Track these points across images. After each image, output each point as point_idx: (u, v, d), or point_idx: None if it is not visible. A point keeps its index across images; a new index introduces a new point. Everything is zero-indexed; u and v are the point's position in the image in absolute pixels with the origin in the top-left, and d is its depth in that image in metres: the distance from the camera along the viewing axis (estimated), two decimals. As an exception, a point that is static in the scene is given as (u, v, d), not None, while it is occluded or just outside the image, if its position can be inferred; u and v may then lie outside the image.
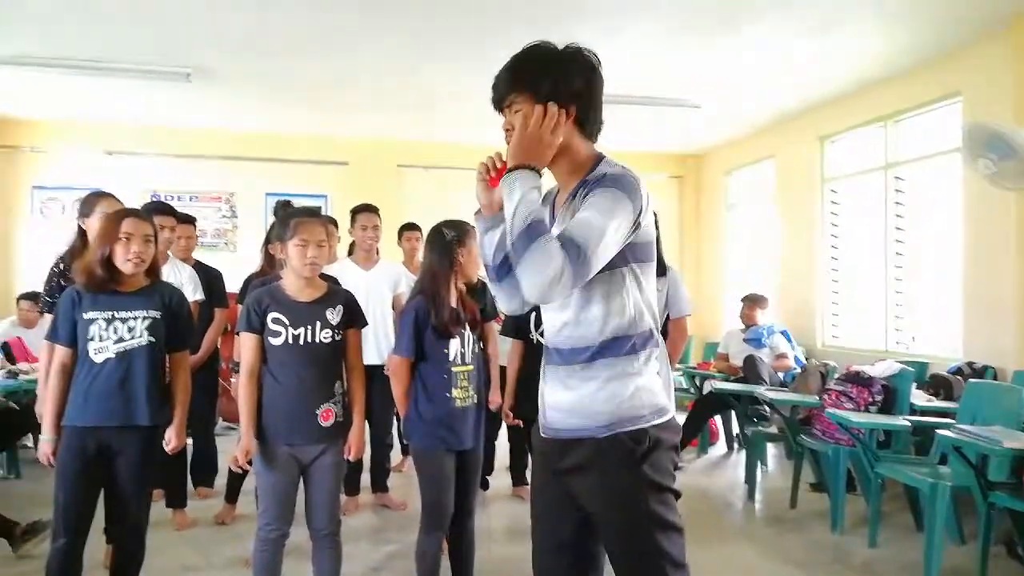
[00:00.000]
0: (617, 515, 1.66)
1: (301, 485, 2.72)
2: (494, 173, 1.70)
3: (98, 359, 2.63)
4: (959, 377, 4.85)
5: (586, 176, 1.66)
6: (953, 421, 3.93)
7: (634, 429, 1.63)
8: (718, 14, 4.88)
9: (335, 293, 2.80)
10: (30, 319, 6.02)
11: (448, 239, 2.87)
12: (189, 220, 4.60)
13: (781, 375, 5.97)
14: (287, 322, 2.63)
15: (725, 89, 6.50)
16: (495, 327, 4.05)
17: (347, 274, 4.15)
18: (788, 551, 3.96)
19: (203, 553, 3.79)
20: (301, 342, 2.64)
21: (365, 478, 4.54)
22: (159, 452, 2.75)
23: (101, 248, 2.66)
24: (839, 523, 4.17)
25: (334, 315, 2.71)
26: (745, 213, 8.78)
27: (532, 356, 3.61)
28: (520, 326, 3.93)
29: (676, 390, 6.04)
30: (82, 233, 3.17)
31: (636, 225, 1.59)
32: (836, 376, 4.93)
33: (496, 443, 5.06)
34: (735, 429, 6.32)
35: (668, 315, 3.88)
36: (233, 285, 4.44)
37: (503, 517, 4.44)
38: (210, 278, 4.49)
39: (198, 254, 4.75)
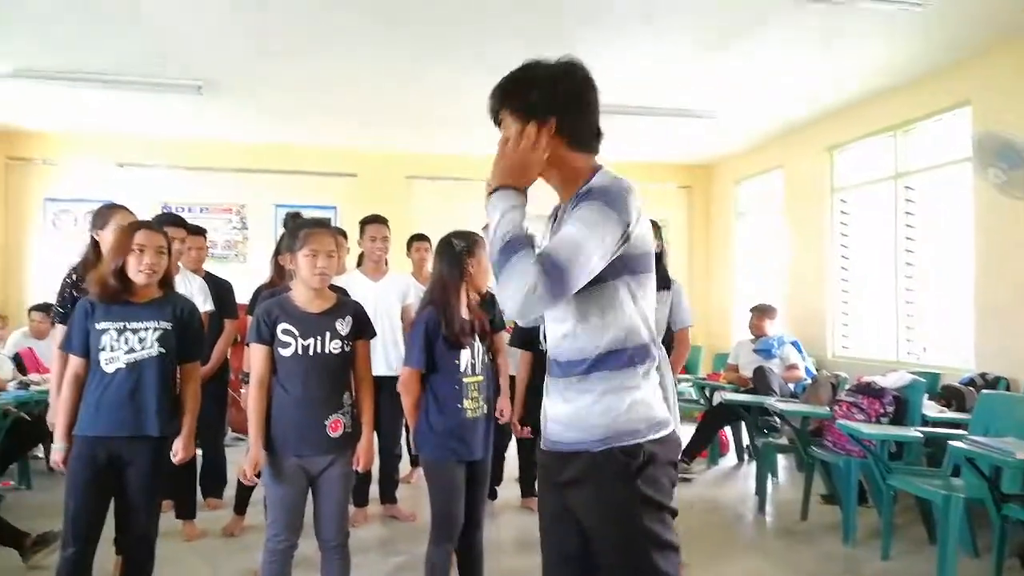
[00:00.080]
0: (611, 530, 1.65)
1: (310, 496, 2.72)
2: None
3: (109, 369, 2.65)
4: (971, 388, 4.81)
5: (579, 189, 1.66)
6: (966, 432, 3.90)
7: (629, 444, 1.61)
8: (727, 25, 4.90)
9: (344, 304, 2.81)
10: (41, 330, 6.06)
11: (458, 250, 2.88)
12: (200, 231, 4.62)
13: (791, 386, 5.94)
14: (297, 333, 2.64)
15: (734, 99, 6.50)
16: (504, 338, 4.05)
17: (356, 285, 4.16)
18: (799, 564, 3.93)
19: (212, 564, 3.79)
20: (311, 353, 2.64)
21: (374, 489, 4.53)
22: (168, 463, 2.76)
23: (115, 259, 2.69)
24: (851, 535, 4.13)
25: (343, 326, 2.71)
26: (754, 223, 8.77)
27: (541, 367, 3.61)
28: (529, 337, 3.93)
29: (686, 401, 6.09)
30: (95, 245, 3.19)
31: (625, 237, 1.59)
32: (847, 387, 4.90)
33: (505, 454, 5.04)
34: (745, 440, 6.29)
35: (669, 327, 3.90)
36: (243, 296, 4.46)
37: (512, 528, 4.42)
38: (220, 289, 4.51)
39: (208, 265, 4.77)
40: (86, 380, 2.69)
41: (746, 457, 6.33)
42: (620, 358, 1.64)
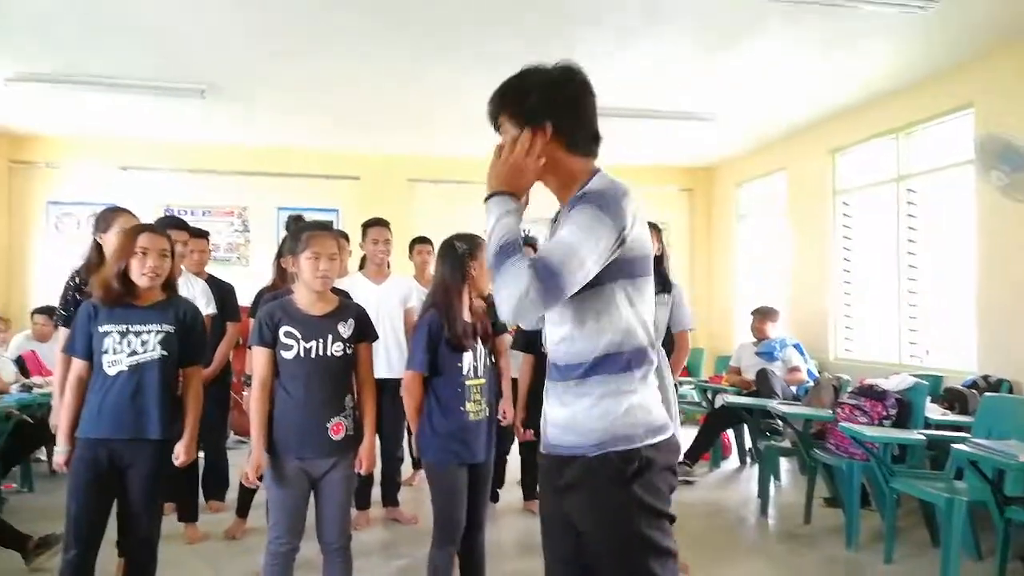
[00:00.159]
0: (606, 535, 1.65)
1: (312, 499, 2.72)
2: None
3: (111, 372, 2.66)
4: (974, 391, 4.81)
5: (576, 193, 1.67)
6: (968, 435, 3.90)
7: (626, 449, 1.61)
8: (729, 28, 4.90)
9: (346, 307, 2.81)
10: (44, 333, 6.07)
11: (460, 252, 2.88)
12: (202, 234, 4.63)
13: (794, 389, 5.93)
14: (299, 336, 2.64)
15: (736, 102, 6.50)
16: (507, 340, 4.05)
17: (358, 288, 4.17)
18: (802, 567, 3.92)
19: (214, 567, 3.79)
20: (313, 355, 2.64)
21: (376, 492, 4.53)
22: (170, 466, 2.76)
23: (118, 262, 2.70)
24: (854, 539, 4.12)
25: (346, 329, 2.72)
26: (756, 225, 8.76)
27: (543, 370, 3.61)
28: (531, 340, 3.93)
29: (688, 404, 6.08)
30: (98, 248, 3.19)
31: (620, 241, 1.59)
32: (849, 390, 4.89)
33: (507, 457, 5.04)
34: (748, 443, 6.28)
35: (669, 329, 3.90)
36: (245, 299, 4.47)
37: (514, 531, 4.42)
38: (223, 292, 4.52)
39: (210, 268, 4.78)
40: (89, 383, 2.70)
41: (748, 460, 6.32)
42: (617, 362, 1.64)
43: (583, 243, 1.54)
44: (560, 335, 1.71)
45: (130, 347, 2.67)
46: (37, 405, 4.97)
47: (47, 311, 5.95)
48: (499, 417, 3.27)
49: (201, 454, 3.75)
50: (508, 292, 1.53)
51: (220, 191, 8.20)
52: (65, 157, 7.88)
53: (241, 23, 4.87)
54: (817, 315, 7.20)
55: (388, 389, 3.90)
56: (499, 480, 4.89)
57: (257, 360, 2.67)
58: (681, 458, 5.77)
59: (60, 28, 4.93)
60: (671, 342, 4.04)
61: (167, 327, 2.73)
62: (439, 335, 2.82)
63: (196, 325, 2.87)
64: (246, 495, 4.21)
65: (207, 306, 4.15)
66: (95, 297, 2.73)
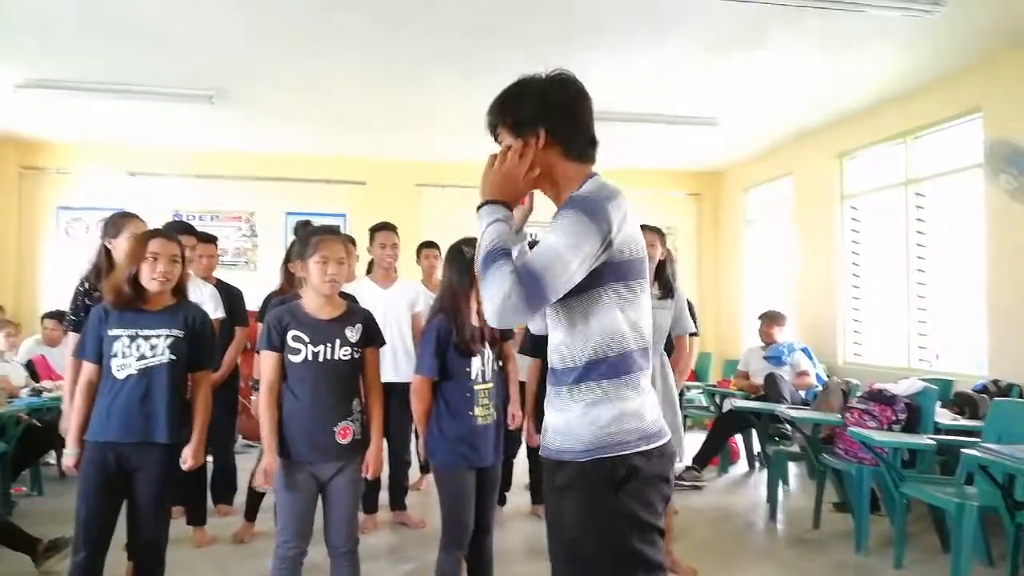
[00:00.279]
0: (589, 543, 1.64)
1: (320, 503, 2.73)
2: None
3: (120, 376, 2.67)
4: (984, 395, 4.78)
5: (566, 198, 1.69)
6: (979, 440, 3.87)
7: (613, 456, 1.61)
8: (736, 32, 4.89)
9: (354, 312, 2.82)
10: (54, 338, 6.10)
11: (467, 257, 2.88)
12: (210, 239, 4.65)
13: (802, 393, 5.91)
14: (307, 339, 2.65)
15: (743, 107, 6.50)
16: (513, 345, 4.05)
17: (365, 292, 4.18)
18: (811, 572, 3.90)
19: (222, 570, 3.80)
20: (320, 359, 2.65)
21: (383, 496, 4.53)
22: (178, 470, 2.77)
23: (129, 267, 2.72)
24: (863, 544, 4.10)
25: (353, 333, 2.73)
26: (764, 230, 8.75)
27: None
28: (538, 344, 3.92)
29: (696, 408, 6.07)
30: (107, 253, 3.21)
31: (606, 244, 1.58)
32: (858, 394, 4.87)
33: (514, 460, 5.04)
34: (756, 448, 6.26)
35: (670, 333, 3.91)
36: (253, 304, 4.48)
37: (521, 535, 4.41)
38: (231, 297, 4.52)
39: (218, 273, 4.79)
40: (99, 386, 2.72)
41: (757, 465, 6.30)
42: (607, 367, 1.64)
43: (566, 248, 1.55)
44: (555, 340, 1.72)
45: (139, 351, 2.69)
46: (46, 409, 5.00)
47: (57, 315, 5.98)
48: (508, 421, 3.27)
49: (209, 458, 3.77)
50: (491, 296, 1.56)
51: (228, 196, 8.23)
52: (75, 163, 7.93)
53: (249, 30, 4.90)
54: (826, 319, 7.18)
55: (395, 393, 3.91)
56: (506, 483, 4.89)
57: (265, 364, 2.68)
58: (690, 463, 5.80)
59: (69, 35, 4.97)
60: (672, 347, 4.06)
61: (176, 332, 2.75)
62: (448, 340, 2.83)
63: (205, 330, 2.88)
64: (254, 499, 4.22)
65: (215, 310, 4.15)
66: (106, 301, 2.76)
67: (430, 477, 4.23)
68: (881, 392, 4.45)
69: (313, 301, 2.72)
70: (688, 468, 5.75)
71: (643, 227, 3.83)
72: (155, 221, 3.77)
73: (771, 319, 6.43)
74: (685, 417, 6.51)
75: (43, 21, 4.74)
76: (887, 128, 6.43)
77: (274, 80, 5.90)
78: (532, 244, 1.82)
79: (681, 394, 4.75)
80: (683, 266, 8.11)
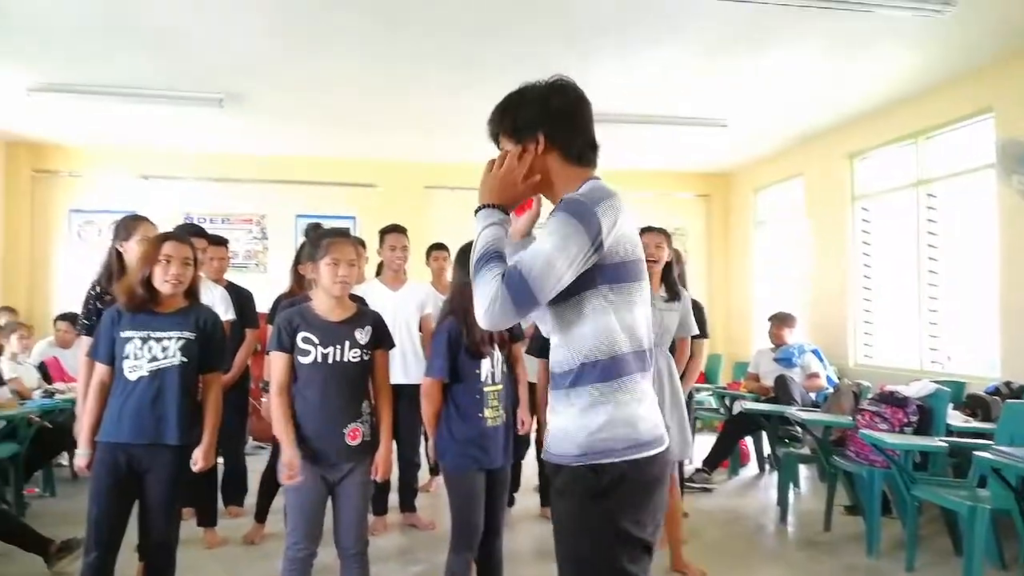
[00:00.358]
0: (576, 548, 1.65)
1: (329, 505, 2.73)
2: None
3: (132, 377, 2.69)
4: (997, 397, 4.74)
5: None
6: (991, 442, 3.84)
7: (602, 462, 1.60)
8: (746, 34, 4.88)
9: (364, 314, 2.83)
10: (67, 340, 6.15)
11: (477, 258, 2.88)
12: (221, 242, 4.67)
13: (813, 395, 5.88)
14: (316, 341, 2.66)
15: (753, 107, 6.48)
16: (522, 347, 4.06)
17: (374, 294, 4.19)
18: (821, 575, 3.88)
19: (232, 571, 3.81)
20: (330, 361, 2.66)
21: (393, 498, 4.54)
22: (188, 471, 2.78)
23: (142, 269, 2.74)
24: (875, 547, 4.08)
25: (363, 335, 2.74)
26: (774, 231, 8.72)
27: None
28: (546, 345, 3.92)
29: (706, 410, 6.05)
30: (118, 256, 3.22)
31: (596, 246, 1.58)
32: (869, 396, 4.84)
33: (524, 462, 5.04)
34: (766, 450, 6.23)
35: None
36: (264, 305, 4.50)
37: (531, 537, 4.41)
38: (241, 299, 4.54)
39: (230, 275, 4.81)
40: (111, 388, 2.73)
41: (767, 467, 6.27)
42: (601, 370, 1.63)
43: (553, 250, 1.55)
44: (553, 343, 1.73)
45: (151, 353, 2.70)
46: (59, 411, 5.03)
47: (69, 318, 6.02)
48: (517, 426, 3.27)
49: (220, 460, 3.79)
50: (480, 300, 1.59)
51: (239, 199, 8.28)
52: (87, 166, 7.99)
53: (258, 33, 4.92)
54: (836, 321, 7.14)
55: (405, 395, 3.92)
56: (515, 485, 4.89)
57: (275, 365, 2.69)
58: (700, 465, 5.78)
59: (81, 39, 5.01)
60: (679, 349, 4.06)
61: (187, 334, 2.76)
62: (458, 342, 2.83)
63: (216, 332, 2.89)
64: (264, 501, 4.24)
65: (226, 312, 4.17)
66: (119, 303, 2.78)
67: (440, 479, 4.24)
68: (893, 394, 4.42)
69: (323, 303, 2.73)
70: (698, 470, 5.74)
71: (649, 229, 3.86)
72: (166, 224, 3.79)
73: (781, 321, 6.40)
74: (695, 419, 6.50)
75: (55, 26, 4.78)
76: (898, 129, 6.40)
77: (284, 83, 5.92)
78: None
79: (690, 396, 4.74)
80: (693, 268, 8.10)
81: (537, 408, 3.88)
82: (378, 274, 4.75)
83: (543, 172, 1.72)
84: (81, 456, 2.75)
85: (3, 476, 4.70)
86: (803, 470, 5.88)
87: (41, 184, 7.94)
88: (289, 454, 2.62)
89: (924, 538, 4.15)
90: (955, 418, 4.54)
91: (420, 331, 4.52)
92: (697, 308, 4.40)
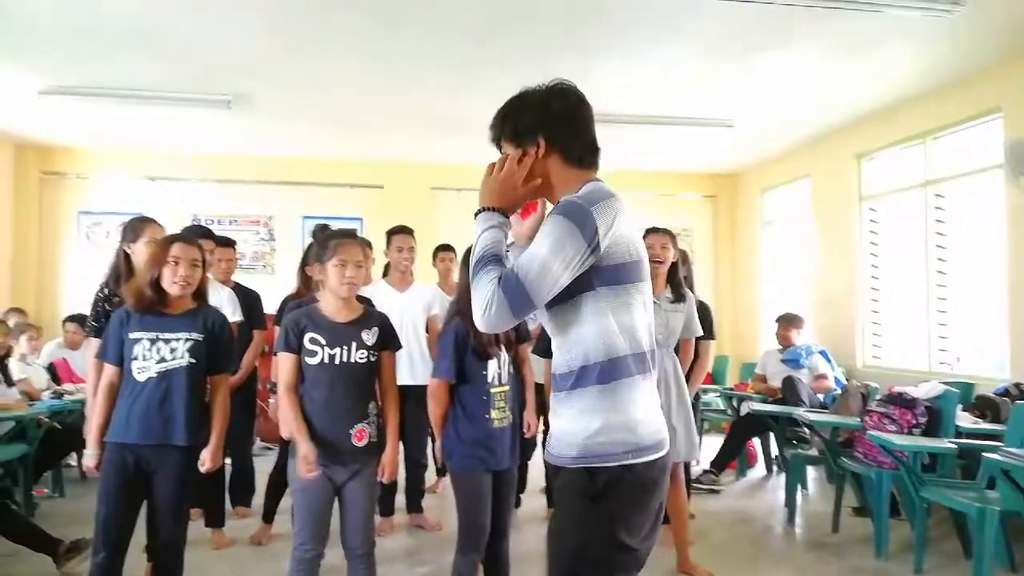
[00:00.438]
0: (559, 546, 1.65)
1: (336, 505, 2.74)
2: (520, 210, 1.79)
3: (140, 378, 2.71)
4: (1006, 398, 4.72)
5: None
6: (1001, 444, 3.82)
7: (597, 466, 1.60)
8: (752, 34, 4.87)
9: (371, 315, 2.84)
10: (75, 341, 6.17)
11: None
12: (228, 243, 4.68)
13: (821, 396, 5.86)
14: (323, 342, 2.67)
15: (759, 108, 6.47)
16: (529, 348, 4.06)
17: (381, 295, 4.20)
18: (830, 577, 3.88)
19: (240, 572, 3.82)
20: (336, 361, 2.67)
21: (400, 499, 4.54)
22: (196, 472, 2.80)
23: (151, 271, 2.76)
24: (883, 549, 4.06)
25: (370, 336, 2.74)
26: (781, 232, 8.69)
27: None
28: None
29: (713, 412, 6.02)
30: (126, 257, 3.24)
31: (592, 248, 1.57)
32: (878, 397, 4.82)
33: (530, 463, 5.03)
34: (774, 451, 6.21)
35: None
36: (271, 307, 4.51)
37: (537, 539, 4.40)
38: (249, 300, 4.56)
39: (237, 276, 4.83)
40: (119, 388, 2.75)
41: (775, 468, 6.26)
42: (600, 372, 1.62)
43: (549, 252, 1.55)
44: (554, 345, 1.73)
45: (159, 354, 2.72)
46: (68, 412, 5.05)
47: (78, 319, 6.04)
48: (523, 429, 3.27)
49: (227, 460, 3.80)
50: (477, 303, 1.60)
51: (246, 201, 8.31)
52: (95, 168, 8.04)
53: (266, 35, 4.94)
54: (844, 322, 7.12)
55: (411, 396, 3.92)
56: (521, 486, 4.88)
57: (283, 366, 2.70)
58: (707, 467, 5.76)
59: (90, 43, 5.03)
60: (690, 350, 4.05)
61: (196, 335, 2.78)
62: (465, 343, 2.84)
63: (224, 334, 2.90)
64: (272, 501, 4.24)
65: (233, 314, 4.19)
66: (128, 304, 2.79)
67: (446, 480, 4.24)
68: (901, 395, 4.40)
69: (330, 304, 2.74)
70: (705, 472, 5.72)
71: (654, 230, 3.85)
72: (174, 225, 3.80)
73: (788, 321, 6.39)
74: (702, 421, 6.49)
75: (66, 30, 4.81)
76: (905, 129, 6.37)
77: (289, 84, 5.94)
78: None
79: (697, 397, 4.73)
80: (700, 268, 8.07)
81: (546, 409, 3.88)
82: (385, 275, 4.76)
83: (544, 175, 1.72)
84: (90, 456, 2.76)
85: (12, 477, 4.73)
86: (811, 471, 5.86)
87: (49, 186, 7.99)
88: (305, 448, 2.61)
89: (933, 540, 4.14)
90: (964, 419, 4.52)
91: (427, 332, 4.53)
92: (704, 309, 4.39)
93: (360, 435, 2.68)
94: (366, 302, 3.07)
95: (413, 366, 4.33)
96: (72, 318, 6.29)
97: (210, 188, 8.21)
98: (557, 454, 1.69)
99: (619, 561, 1.60)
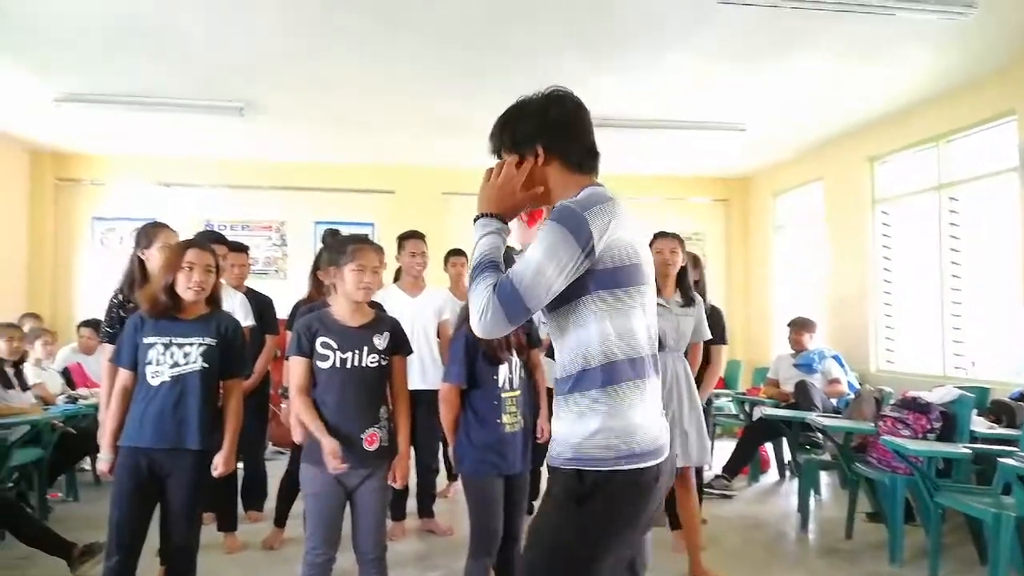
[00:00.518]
0: (529, 545, 1.65)
1: (348, 510, 2.74)
2: (526, 216, 1.82)
3: (154, 382, 2.73)
4: (1022, 403, 4.68)
5: None
6: (1016, 449, 3.79)
7: (589, 469, 1.59)
8: (764, 38, 4.86)
9: (382, 320, 2.85)
10: (90, 346, 6.21)
11: (494, 264, 2.89)
12: (241, 248, 4.71)
13: (834, 401, 5.82)
14: (335, 346, 2.68)
15: (771, 112, 6.45)
16: (541, 353, 4.05)
17: (392, 300, 4.20)
18: (844, 583, 3.85)
19: (253, 577, 3.83)
20: (348, 366, 2.68)
21: (411, 503, 4.55)
22: (209, 476, 2.81)
23: (165, 276, 2.78)
24: (898, 555, 4.03)
25: (381, 341, 2.75)
26: (793, 236, 8.65)
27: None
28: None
29: (725, 416, 6.00)
30: (140, 263, 3.26)
31: (588, 252, 1.57)
32: (891, 402, 4.79)
33: (541, 468, 5.02)
34: (787, 456, 6.18)
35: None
36: (284, 312, 4.53)
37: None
38: (261, 305, 4.58)
39: (249, 282, 4.85)
40: (133, 393, 2.77)
41: (788, 474, 6.22)
42: (596, 377, 1.62)
43: (543, 258, 1.56)
44: (556, 349, 1.74)
45: (173, 359, 2.74)
46: (82, 416, 5.09)
47: (93, 324, 6.09)
48: (536, 435, 3.27)
49: (240, 465, 3.81)
50: (473, 309, 1.60)
51: (258, 206, 8.35)
52: (109, 174, 8.11)
53: (278, 42, 4.97)
54: (857, 326, 7.07)
55: (422, 401, 3.93)
56: (534, 491, 4.87)
57: (295, 369, 2.71)
58: (719, 472, 5.74)
59: (103, 51, 5.08)
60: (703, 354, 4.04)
61: (209, 340, 2.79)
62: (476, 348, 2.84)
63: (237, 338, 2.92)
64: (284, 506, 4.26)
65: (245, 319, 4.21)
66: (142, 309, 2.82)
67: (458, 485, 4.24)
68: (915, 400, 4.37)
69: (342, 308, 2.75)
70: (718, 477, 5.70)
71: (662, 234, 3.86)
72: (187, 231, 3.83)
73: (801, 326, 6.35)
74: (714, 425, 6.46)
75: (81, 38, 4.86)
76: (919, 132, 6.33)
77: (303, 92, 5.97)
78: None
79: (709, 402, 4.72)
80: (711, 272, 8.04)
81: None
82: (396, 280, 4.77)
83: (544, 182, 1.74)
84: (103, 460, 2.79)
85: (27, 480, 4.77)
86: (824, 477, 5.82)
87: (64, 192, 8.06)
88: (328, 444, 2.60)
89: (948, 546, 4.10)
90: (979, 424, 4.48)
91: (438, 337, 4.53)
92: (716, 313, 4.38)
93: (371, 439, 2.69)
94: (378, 307, 3.08)
95: (424, 371, 4.33)
96: (87, 323, 6.34)
97: (223, 194, 8.27)
98: (554, 455, 1.69)
99: (594, 566, 1.59)
